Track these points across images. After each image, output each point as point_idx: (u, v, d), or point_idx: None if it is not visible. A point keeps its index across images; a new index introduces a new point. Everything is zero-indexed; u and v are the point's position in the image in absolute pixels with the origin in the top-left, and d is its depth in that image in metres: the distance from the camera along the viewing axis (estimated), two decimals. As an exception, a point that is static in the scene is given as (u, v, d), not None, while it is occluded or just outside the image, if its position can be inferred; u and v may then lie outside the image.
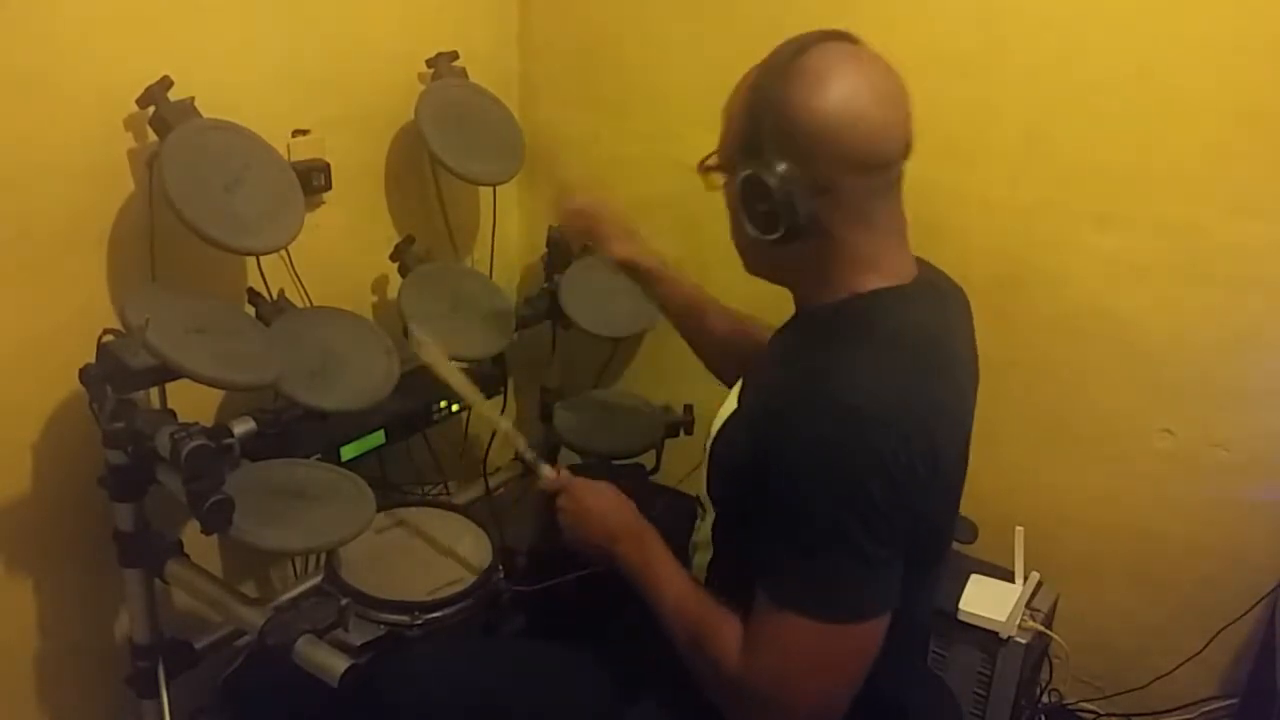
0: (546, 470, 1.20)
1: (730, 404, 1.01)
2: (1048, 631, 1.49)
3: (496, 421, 1.32)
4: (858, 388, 0.87)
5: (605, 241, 1.36)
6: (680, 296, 1.36)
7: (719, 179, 0.99)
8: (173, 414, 1.29)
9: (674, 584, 1.02)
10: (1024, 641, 1.44)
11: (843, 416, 0.85)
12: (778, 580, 0.89)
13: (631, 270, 1.37)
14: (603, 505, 1.12)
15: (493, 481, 1.90)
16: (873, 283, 0.95)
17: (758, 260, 1.01)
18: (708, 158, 0.99)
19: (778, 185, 0.88)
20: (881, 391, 0.87)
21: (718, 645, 0.94)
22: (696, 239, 1.86)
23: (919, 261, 1.02)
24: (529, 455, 1.24)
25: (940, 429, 0.91)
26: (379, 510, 1.36)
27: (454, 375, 1.31)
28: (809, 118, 0.88)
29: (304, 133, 1.58)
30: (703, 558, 1.07)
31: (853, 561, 0.86)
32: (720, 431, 1.00)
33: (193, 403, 1.39)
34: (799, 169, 0.88)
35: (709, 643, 0.95)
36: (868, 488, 0.84)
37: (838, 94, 0.88)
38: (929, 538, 0.96)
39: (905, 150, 0.94)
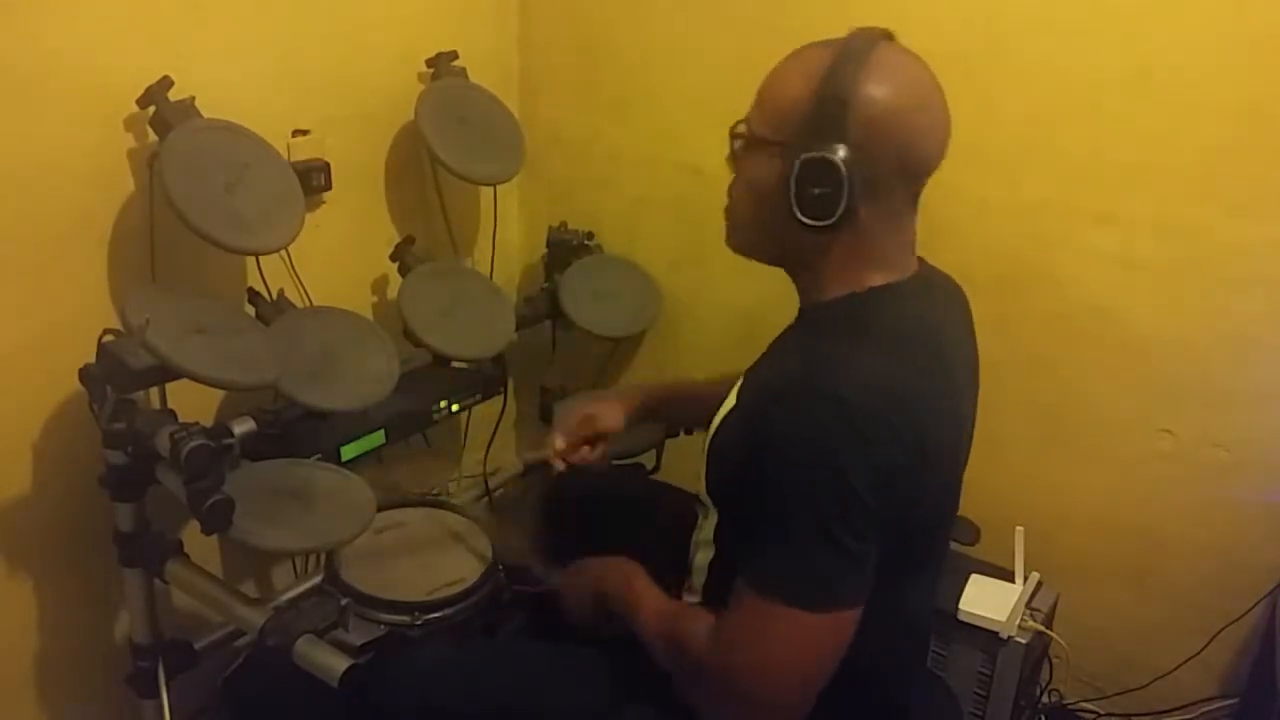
0: (556, 577, 1.26)
1: (729, 401, 1.01)
2: (1048, 631, 1.49)
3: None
4: (844, 379, 0.87)
5: (606, 425, 1.34)
6: (695, 398, 1.33)
7: (740, 146, 0.98)
8: (173, 414, 1.29)
9: (653, 593, 1.05)
10: (1024, 641, 1.44)
11: (826, 405, 0.86)
12: (753, 564, 0.89)
13: (643, 412, 1.37)
14: (591, 566, 1.17)
15: (493, 481, 1.90)
16: (873, 280, 0.96)
17: (768, 238, 1.00)
18: (739, 124, 0.98)
19: (845, 172, 0.88)
20: (868, 383, 0.87)
21: (691, 633, 0.95)
22: (696, 239, 1.87)
23: (919, 259, 1.02)
24: (540, 570, 1.32)
25: (929, 422, 0.91)
26: (379, 510, 1.36)
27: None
28: (880, 113, 0.89)
29: (304, 133, 1.58)
30: (704, 557, 1.07)
31: (828, 550, 0.86)
32: (718, 428, 1.00)
33: (193, 403, 1.39)
34: (862, 161, 0.89)
35: (683, 633, 0.97)
36: (850, 479, 0.84)
37: (907, 97, 0.91)
38: (922, 534, 0.96)
39: (940, 162, 0.95)
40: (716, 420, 1.01)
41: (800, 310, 1.03)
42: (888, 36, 0.95)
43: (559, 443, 1.30)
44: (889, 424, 0.86)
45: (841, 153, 0.88)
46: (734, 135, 0.99)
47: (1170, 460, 1.54)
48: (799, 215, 0.91)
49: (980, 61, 1.50)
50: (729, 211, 1.03)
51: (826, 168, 0.89)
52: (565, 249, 1.88)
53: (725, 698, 0.92)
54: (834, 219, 0.90)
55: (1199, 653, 1.59)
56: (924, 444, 0.89)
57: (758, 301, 1.13)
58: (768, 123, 0.95)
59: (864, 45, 0.91)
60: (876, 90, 0.89)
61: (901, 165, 0.92)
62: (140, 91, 1.31)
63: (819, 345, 0.94)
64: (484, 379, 1.74)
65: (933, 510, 0.98)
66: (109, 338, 1.22)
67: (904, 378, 0.90)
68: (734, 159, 1.01)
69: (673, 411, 1.40)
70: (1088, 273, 1.52)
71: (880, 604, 0.90)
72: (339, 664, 1.19)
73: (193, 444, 1.15)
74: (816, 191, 0.90)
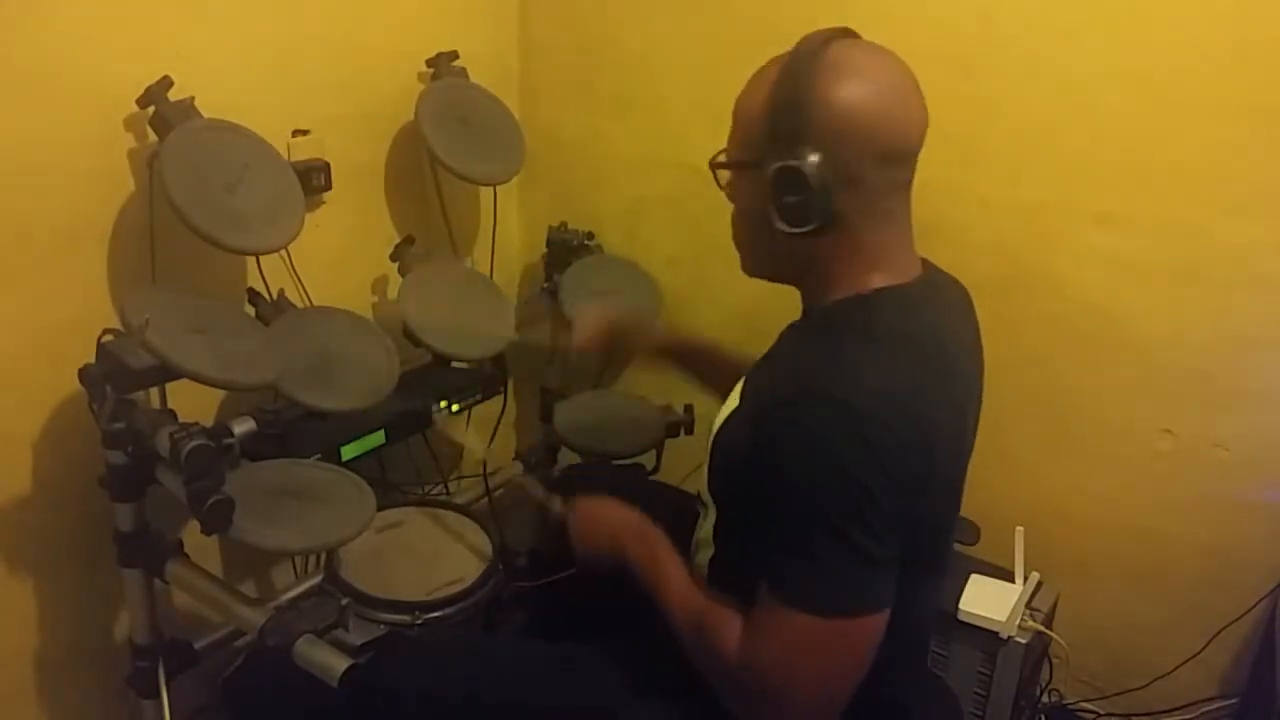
0: (557, 504, 1.26)
1: (733, 401, 1.01)
2: (1048, 631, 1.49)
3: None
4: (854, 384, 0.87)
5: (632, 348, 1.37)
6: (723, 360, 1.34)
7: (727, 177, 1.00)
8: (173, 414, 1.29)
9: (679, 577, 1.03)
10: (1024, 641, 1.44)
11: (838, 412, 0.86)
12: (776, 574, 0.89)
13: (671, 358, 1.38)
14: (608, 512, 1.16)
15: (493, 481, 1.90)
16: (877, 281, 0.96)
17: (769, 257, 1.01)
18: (718, 155, 0.99)
19: (814, 175, 0.89)
20: (878, 388, 0.87)
21: (720, 636, 0.94)
22: (696, 239, 1.87)
23: (923, 261, 1.03)
24: (540, 493, 1.32)
25: (937, 427, 0.91)
26: (379, 510, 1.36)
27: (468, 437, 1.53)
28: (840, 110, 0.89)
29: (304, 133, 1.58)
30: (704, 556, 1.07)
31: (848, 557, 0.86)
32: (722, 427, 1.00)
33: (193, 403, 1.39)
34: (830, 160, 0.89)
35: (712, 633, 0.96)
36: (862, 483, 0.84)
37: (866, 87, 0.91)
38: (927, 536, 0.96)
39: (920, 143, 0.95)
40: (719, 420, 1.01)
41: (804, 310, 1.04)
42: (846, 34, 0.95)
43: (592, 316, 1.33)
44: (894, 427, 0.86)
45: (810, 157, 0.89)
46: (714, 166, 1.00)
47: (1170, 460, 1.54)
48: (781, 225, 0.92)
49: (980, 61, 1.50)
50: (735, 241, 1.04)
51: (795, 176, 0.90)
52: (565, 249, 1.88)
53: (759, 704, 0.92)
54: (814, 223, 0.91)
55: (1199, 653, 1.59)
56: (929, 446, 0.89)
57: (758, 300, 1.13)
58: (739, 145, 0.97)
59: (815, 47, 0.92)
60: (833, 88, 0.89)
61: (878, 155, 0.92)
62: (140, 91, 1.31)
63: (823, 348, 0.94)
64: (484, 379, 1.74)
65: (936, 511, 0.98)
66: (109, 338, 1.22)
67: (908, 380, 0.90)
68: (726, 190, 1.02)
69: (700, 365, 1.38)
70: (1088, 273, 1.52)
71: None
72: (339, 664, 1.19)
73: (193, 444, 1.15)
74: (792, 199, 0.91)
